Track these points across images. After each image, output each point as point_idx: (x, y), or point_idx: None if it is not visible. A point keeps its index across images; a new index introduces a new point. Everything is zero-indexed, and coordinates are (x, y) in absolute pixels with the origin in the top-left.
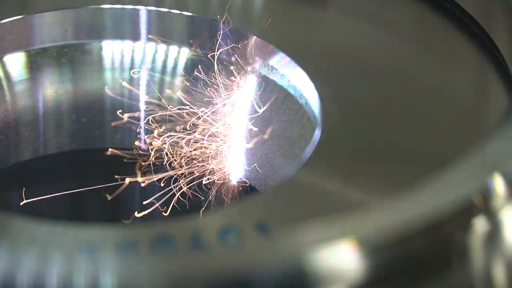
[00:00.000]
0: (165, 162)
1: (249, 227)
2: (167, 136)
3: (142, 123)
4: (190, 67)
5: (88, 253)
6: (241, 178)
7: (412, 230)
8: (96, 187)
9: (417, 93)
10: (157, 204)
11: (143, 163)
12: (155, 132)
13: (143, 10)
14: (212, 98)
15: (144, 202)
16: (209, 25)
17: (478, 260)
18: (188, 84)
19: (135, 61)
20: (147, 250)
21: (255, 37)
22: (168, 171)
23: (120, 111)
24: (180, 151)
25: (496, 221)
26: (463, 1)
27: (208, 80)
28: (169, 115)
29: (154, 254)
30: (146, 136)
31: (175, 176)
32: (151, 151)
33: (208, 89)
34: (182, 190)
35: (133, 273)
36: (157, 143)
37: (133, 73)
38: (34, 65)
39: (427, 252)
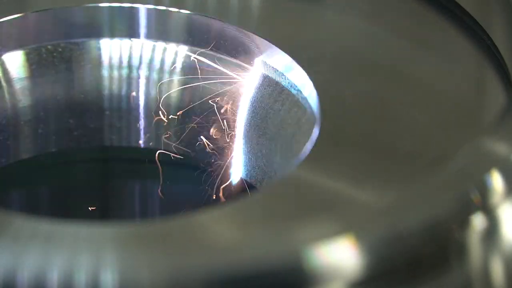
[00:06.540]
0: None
1: None
2: (166, 135)
3: (141, 122)
4: (189, 65)
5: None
6: (240, 175)
7: (410, 227)
8: None
9: (415, 91)
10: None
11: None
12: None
13: (141, 8)
14: (211, 96)
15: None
16: (208, 23)
17: (476, 257)
18: (187, 82)
19: (133, 60)
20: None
21: (254, 35)
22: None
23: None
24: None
25: (494, 218)
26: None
27: (207, 79)
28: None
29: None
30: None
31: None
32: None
33: (207, 87)
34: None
35: (134, 270)
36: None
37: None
38: (32, 64)
39: (425, 249)
